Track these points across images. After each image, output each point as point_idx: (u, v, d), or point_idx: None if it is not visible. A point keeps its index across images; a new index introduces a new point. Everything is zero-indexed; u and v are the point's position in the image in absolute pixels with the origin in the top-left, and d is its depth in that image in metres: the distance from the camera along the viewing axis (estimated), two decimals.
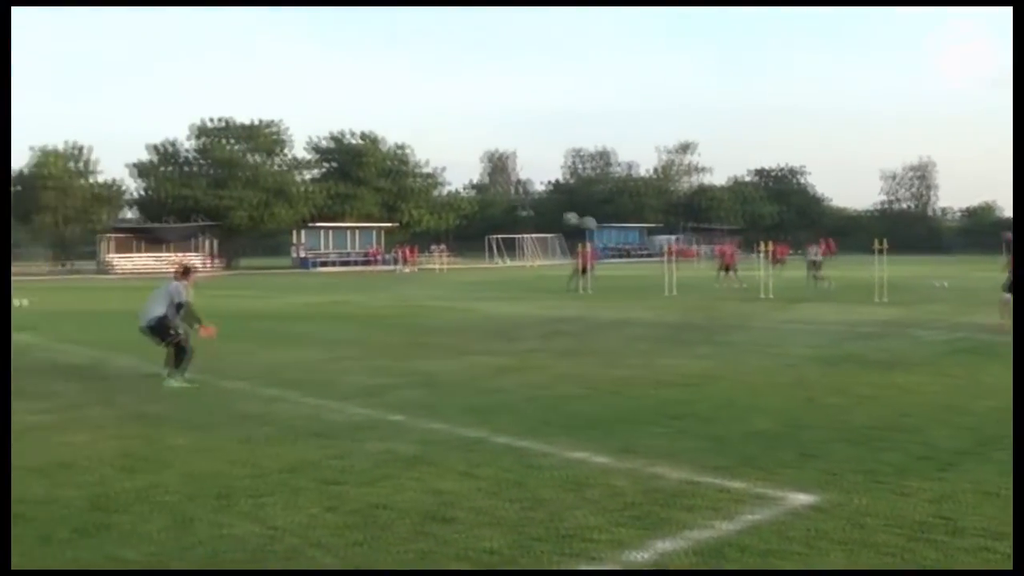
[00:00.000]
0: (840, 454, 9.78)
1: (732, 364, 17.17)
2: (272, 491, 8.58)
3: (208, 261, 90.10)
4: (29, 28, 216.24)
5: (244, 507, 8.11)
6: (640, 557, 6.76)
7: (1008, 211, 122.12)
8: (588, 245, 49.17)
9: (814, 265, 44.29)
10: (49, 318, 31.44)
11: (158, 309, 16.04)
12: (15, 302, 37.64)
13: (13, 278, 43.61)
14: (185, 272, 16.80)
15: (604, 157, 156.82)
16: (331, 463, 9.65)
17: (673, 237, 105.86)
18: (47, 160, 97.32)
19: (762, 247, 42.57)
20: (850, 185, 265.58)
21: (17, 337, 24.57)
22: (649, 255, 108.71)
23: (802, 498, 8.16)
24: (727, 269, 46.61)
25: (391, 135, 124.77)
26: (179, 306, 16.19)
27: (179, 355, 15.81)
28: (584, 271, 44.56)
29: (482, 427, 11.45)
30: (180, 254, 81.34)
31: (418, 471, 9.24)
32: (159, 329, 16.01)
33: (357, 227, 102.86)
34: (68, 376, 16.93)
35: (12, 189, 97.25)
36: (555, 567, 6.58)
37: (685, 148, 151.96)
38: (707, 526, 7.40)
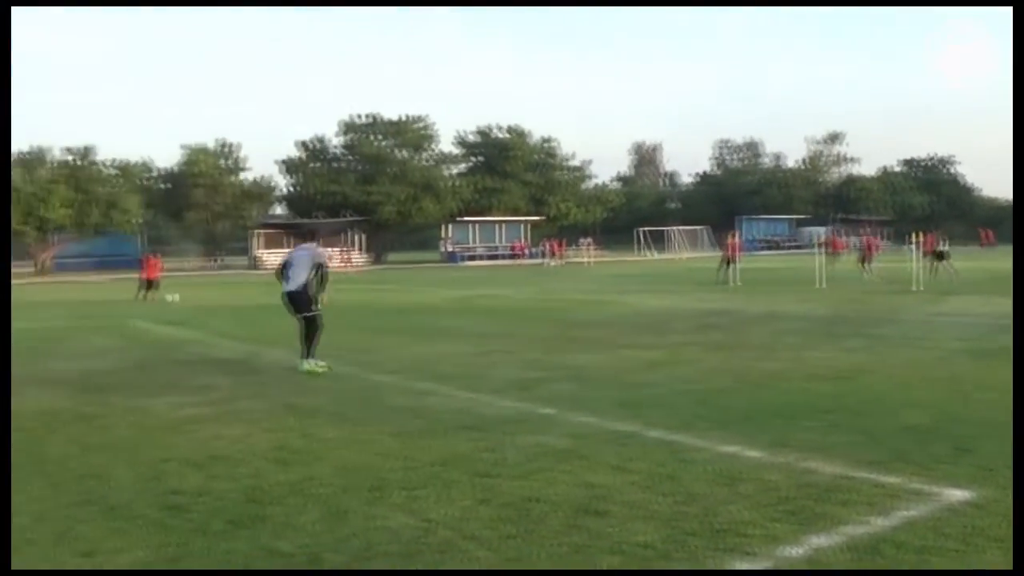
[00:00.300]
0: (995, 449, 9.50)
1: (883, 357, 16.88)
2: (425, 484, 8.65)
3: (350, 256, 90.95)
4: (182, 31, 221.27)
5: (397, 499, 8.20)
6: (795, 552, 6.69)
7: None
8: (736, 236, 49.13)
9: (940, 255, 43.61)
10: (200, 313, 32.22)
11: (302, 275, 16.40)
12: (167, 297, 38.42)
13: (165, 274, 44.65)
14: (312, 234, 17.28)
15: (752, 148, 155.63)
16: (483, 456, 9.71)
17: (823, 229, 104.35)
18: (197, 158, 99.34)
19: (914, 238, 41.83)
20: (1001, 175, 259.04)
21: (169, 331, 25.30)
22: (798, 247, 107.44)
23: (958, 494, 7.99)
24: (866, 260, 45.98)
25: (537, 128, 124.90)
26: (319, 267, 16.53)
27: (310, 332, 16.10)
28: (732, 262, 44.35)
29: (634, 421, 11.41)
30: (329, 250, 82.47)
31: (570, 464, 9.24)
32: (301, 298, 16.35)
33: (504, 221, 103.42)
34: (221, 370, 17.25)
35: (162, 187, 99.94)
36: (709, 561, 6.56)
37: (834, 138, 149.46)
38: (862, 522, 7.29)
